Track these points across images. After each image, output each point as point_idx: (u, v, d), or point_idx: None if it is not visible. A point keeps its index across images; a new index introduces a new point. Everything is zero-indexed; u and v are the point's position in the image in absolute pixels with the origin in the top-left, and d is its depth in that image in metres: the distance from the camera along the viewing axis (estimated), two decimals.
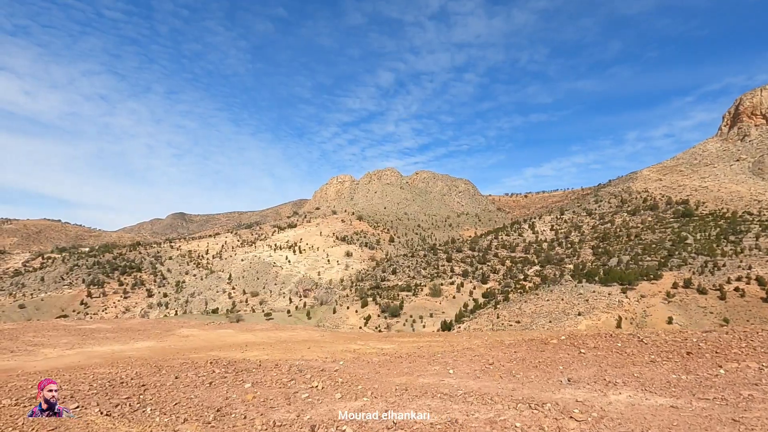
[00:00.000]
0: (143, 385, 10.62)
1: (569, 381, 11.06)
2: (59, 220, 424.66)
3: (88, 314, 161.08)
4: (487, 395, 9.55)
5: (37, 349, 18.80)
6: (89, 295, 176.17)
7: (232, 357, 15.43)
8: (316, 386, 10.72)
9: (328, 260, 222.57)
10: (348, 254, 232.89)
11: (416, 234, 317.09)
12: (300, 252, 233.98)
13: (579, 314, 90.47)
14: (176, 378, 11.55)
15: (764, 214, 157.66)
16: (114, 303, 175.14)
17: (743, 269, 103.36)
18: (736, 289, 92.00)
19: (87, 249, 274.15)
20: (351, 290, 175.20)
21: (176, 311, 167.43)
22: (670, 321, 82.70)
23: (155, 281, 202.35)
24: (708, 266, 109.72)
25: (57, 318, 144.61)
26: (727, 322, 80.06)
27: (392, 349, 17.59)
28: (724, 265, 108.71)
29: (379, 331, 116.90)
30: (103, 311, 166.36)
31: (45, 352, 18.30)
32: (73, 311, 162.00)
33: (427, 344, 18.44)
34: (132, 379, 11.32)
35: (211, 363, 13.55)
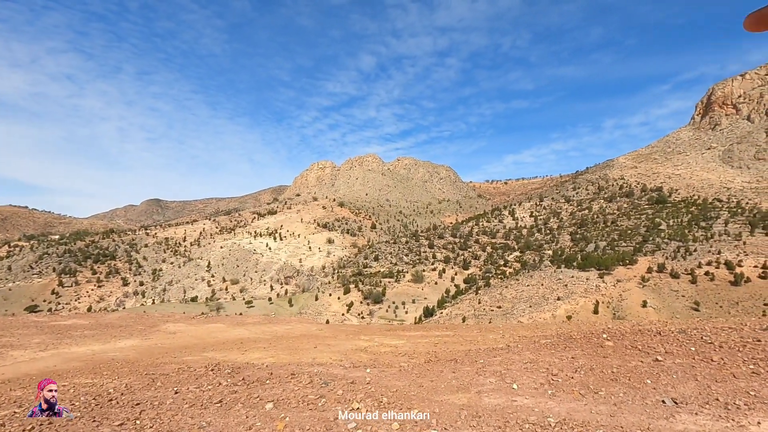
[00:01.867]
0: (137, 404, 8.95)
1: (675, 402, 9.21)
2: (26, 207, 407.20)
3: (60, 304, 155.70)
4: (588, 426, 7.84)
5: (5, 351, 17.08)
6: (61, 284, 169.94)
7: (233, 361, 13.97)
8: (357, 408, 8.81)
9: (310, 247, 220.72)
10: (330, 241, 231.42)
11: (398, 220, 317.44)
12: (281, 239, 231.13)
13: (558, 299, 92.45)
14: (176, 393, 9.85)
15: (732, 201, 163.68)
16: (87, 292, 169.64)
17: (713, 254, 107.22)
18: (707, 273, 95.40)
19: (57, 237, 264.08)
20: (333, 277, 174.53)
21: (153, 300, 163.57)
22: (644, 305, 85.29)
23: (131, 269, 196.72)
24: (680, 251, 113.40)
25: (27, 309, 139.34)
26: (699, 305, 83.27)
27: (406, 346, 16.48)
28: (695, 250, 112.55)
29: (362, 317, 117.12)
30: (76, 300, 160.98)
31: (14, 354, 16.60)
32: (44, 301, 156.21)
33: (440, 341, 17.33)
34: (122, 394, 9.61)
35: (212, 370, 11.92)
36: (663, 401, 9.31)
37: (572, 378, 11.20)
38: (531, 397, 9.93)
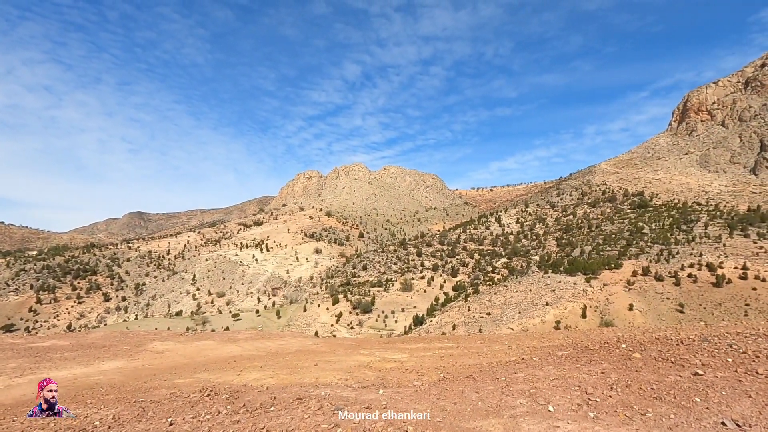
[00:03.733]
0: None
1: (738, 425, 8.23)
2: (2, 222, 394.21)
3: (38, 322, 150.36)
4: None
5: None
6: (39, 301, 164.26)
7: (230, 383, 13.03)
8: None
9: (297, 258, 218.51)
10: (317, 251, 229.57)
11: (386, 229, 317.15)
12: (267, 250, 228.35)
13: (546, 304, 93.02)
14: (171, 425, 8.70)
15: (711, 204, 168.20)
16: (67, 309, 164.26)
17: (695, 256, 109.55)
18: (690, 275, 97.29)
19: (35, 252, 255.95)
20: (321, 287, 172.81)
21: (137, 315, 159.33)
22: (631, 308, 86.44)
23: (112, 284, 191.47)
24: (663, 254, 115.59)
25: (2, 328, 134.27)
26: (683, 307, 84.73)
27: (411, 361, 15.76)
28: (677, 253, 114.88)
29: (351, 327, 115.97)
30: (55, 318, 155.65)
31: None
32: (21, 319, 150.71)
33: (446, 354, 16.70)
34: (109, 428, 8.52)
35: (208, 395, 10.95)
36: (723, 423, 8.44)
37: (610, 397, 10.37)
38: (573, 421, 9.06)
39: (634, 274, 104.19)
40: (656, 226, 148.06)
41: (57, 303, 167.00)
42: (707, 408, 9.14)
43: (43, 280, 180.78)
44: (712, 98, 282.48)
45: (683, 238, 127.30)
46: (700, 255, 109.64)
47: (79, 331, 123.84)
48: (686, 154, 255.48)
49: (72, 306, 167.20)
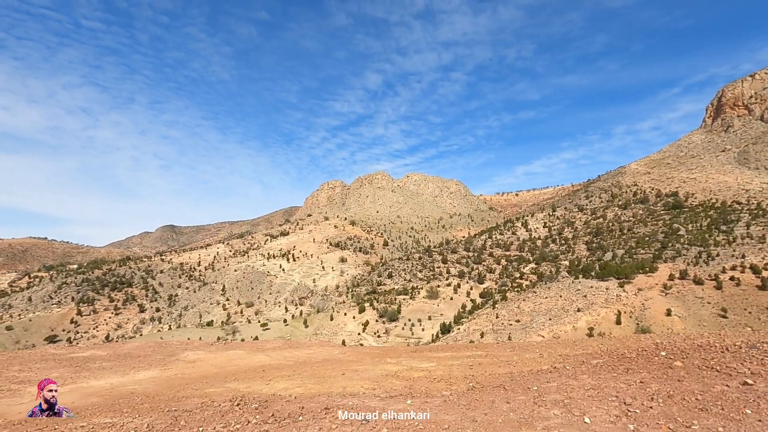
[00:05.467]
0: None
1: None
2: (45, 238, 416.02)
3: (78, 333, 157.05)
4: None
5: (23, 388, 16.53)
6: (79, 313, 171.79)
7: (258, 392, 13.20)
8: None
9: (323, 267, 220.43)
10: (342, 260, 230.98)
11: (410, 237, 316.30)
12: (294, 260, 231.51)
13: (578, 310, 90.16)
14: None
15: (753, 203, 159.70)
16: (105, 320, 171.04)
17: (737, 258, 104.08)
18: (732, 278, 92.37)
19: (75, 266, 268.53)
20: (347, 296, 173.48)
21: (170, 325, 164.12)
22: (668, 313, 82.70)
23: (147, 296, 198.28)
24: (702, 256, 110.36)
25: (46, 339, 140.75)
26: (726, 312, 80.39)
27: (439, 370, 15.53)
28: (717, 255, 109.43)
29: (378, 336, 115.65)
30: (94, 329, 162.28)
31: (32, 391, 16.10)
32: (63, 330, 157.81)
33: (474, 362, 16.35)
34: None
35: (237, 405, 11.14)
36: None
37: (651, 408, 9.69)
38: None
39: (671, 277, 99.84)
40: (693, 227, 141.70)
41: (96, 314, 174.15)
42: (759, 420, 8.42)
43: (83, 293, 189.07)
44: (749, 92, 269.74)
45: (723, 239, 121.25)
46: (743, 256, 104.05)
47: (116, 341, 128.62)
48: (723, 151, 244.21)
49: (110, 317, 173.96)
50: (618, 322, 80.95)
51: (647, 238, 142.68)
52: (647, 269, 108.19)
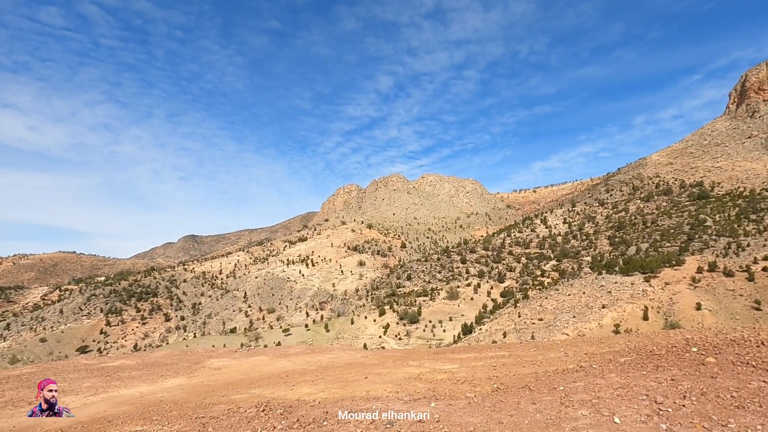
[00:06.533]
0: None
1: None
2: (74, 252, 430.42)
3: (108, 343, 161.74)
4: None
5: (58, 398, 17.59)
6: (108, 323, 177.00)
7: (283, 398, 13.38)
8: None
9: (342, 271, 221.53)
10: (361, 263, 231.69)
11: (427, 238, 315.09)
12: (313, 265, 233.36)
13: (603, 307, 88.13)
14: None
15: None
16: (133, 330, 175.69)
17: None
18: (764, 268, 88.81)
19: (103, 278, 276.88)
20: (367, 299, 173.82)
21: (194, 333, 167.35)
22: (698, 307, 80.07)
23: (172, 305, 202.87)
24: (731, 247, 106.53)
25: (78, 350, 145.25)
26: (760, 304, 77.37)
27: (462, 371, 15.40)
28: (748, 245, 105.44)
29: (399, 339, 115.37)
30: (123, 339, 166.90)
31: (66, 400, 16.67)
32: (94, 341, 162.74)
33: (498, 363, 16.16)
34: None
35: (263, 411, 11.31)
36: None
37: (684, 406, 9.31)
38: None
39: (700, 270, 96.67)
40: (720, 218, 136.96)
41: (124, 324, 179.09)
42: None
43: (111, 304, 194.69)
44: None
45: (753, 228, 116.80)
46: None
47: (144, 350, 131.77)
48: (749, 137, 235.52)
49: (137, 327, 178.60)
50: (645, 318, 78.82)
51: (672, 231, 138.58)
52: (674, 262, 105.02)
